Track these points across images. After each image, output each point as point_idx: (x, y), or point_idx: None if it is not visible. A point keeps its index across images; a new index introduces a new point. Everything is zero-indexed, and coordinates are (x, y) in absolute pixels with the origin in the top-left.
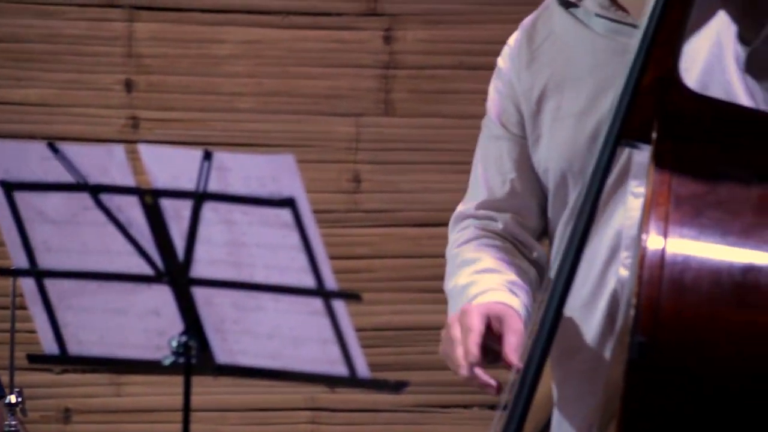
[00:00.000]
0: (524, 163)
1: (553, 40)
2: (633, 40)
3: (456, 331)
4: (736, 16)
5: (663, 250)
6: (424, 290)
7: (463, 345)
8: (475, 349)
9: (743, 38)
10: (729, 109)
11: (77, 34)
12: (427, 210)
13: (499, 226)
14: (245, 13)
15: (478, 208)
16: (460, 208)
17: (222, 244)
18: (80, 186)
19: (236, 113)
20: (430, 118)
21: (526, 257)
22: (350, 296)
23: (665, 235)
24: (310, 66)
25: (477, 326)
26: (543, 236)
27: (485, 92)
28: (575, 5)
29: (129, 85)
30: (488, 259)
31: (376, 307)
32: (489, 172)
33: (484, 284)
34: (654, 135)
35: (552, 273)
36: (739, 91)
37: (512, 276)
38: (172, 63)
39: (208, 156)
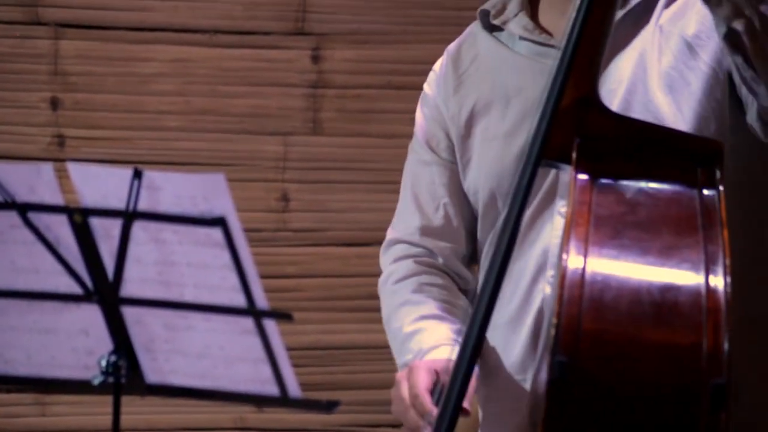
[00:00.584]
0: (455, 188)
1: (479, 64)
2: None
3: (405, 391)
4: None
5: (583, 270)
6: (352, 309)
7: (414, 407)
8: (428, 406)
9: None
10: (648, 129)
11: (2, 52)
12: (355, 229)
13: (440, 260)
14: (172, 31)
15: (413, 234)
16: (393, 234)
17: (152, 263)
18: (8, 204)
19: (164, 132)
20: (357, 137)
21: (462, 290)
22: (281, 315)
23: (585, 254)
24: (238, 85)
25: (424, 384)
26: (473, 261)
27: (412, 112)
28: (500, 29)
29: (55, 103)
30: (431, 303)
31: (305, 326)
32: (422, 197)
33: (431, 337)
34: (574, 155)
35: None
36: (664, 109)
37: (456, 324)
38: (98, 81)
39: (138, 175)
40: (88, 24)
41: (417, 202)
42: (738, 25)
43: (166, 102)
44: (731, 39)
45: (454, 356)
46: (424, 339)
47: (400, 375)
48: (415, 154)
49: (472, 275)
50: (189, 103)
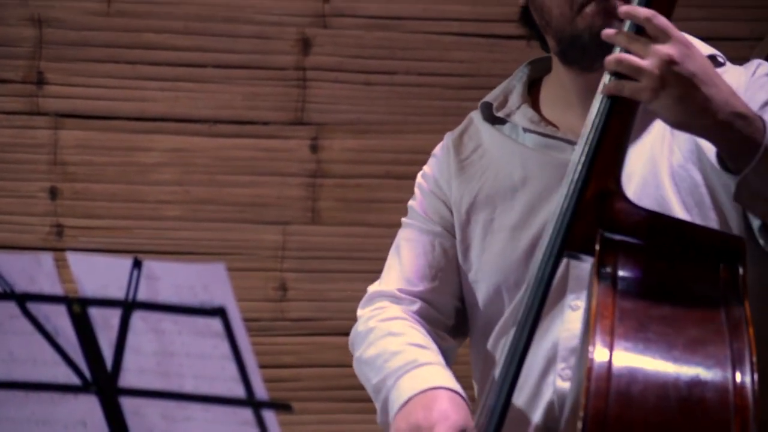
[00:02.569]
0: (454, 262)
1: (482, 153)
2: (564, 154)
3: (424, 420)
4: (725, 149)
5: (609, 363)
6: (351, 399)
7: None
8: None
9: (729, 168)
10: (671, 222)
11: (2, 142)
12: (353, 319)
13: (417, 306)
14: (172, 121)
15: (401, 292)
16: (377, 287)
17: (151, 354)
18: (7, 295)
19: (163, 221)
20: (356, 226)
21: (438, 344)
22: (280, 406)
23: (611, 347)
24: (237, 174)
25: (461, 421)
26: (456, 334)
27: None
28: (501, 121)
29: (54, 193)
30: (417, 334)
31: (303, 416)
32: (419, 262)
33: (425, 356)
34: (597, 247)
35: (490, 386)
36: (675, 206)
37: (442, 359)
38: (98, 171)
39: (137, 264)
40: (88, 114)
41: (412, 267)
42: None
43: (166, 191)
44: (765, 231)
45: (453, 385)
46: (419, 355)
47: (415, 404)
48: (414, 223)
49: (452, 341)
50: (188, 193)
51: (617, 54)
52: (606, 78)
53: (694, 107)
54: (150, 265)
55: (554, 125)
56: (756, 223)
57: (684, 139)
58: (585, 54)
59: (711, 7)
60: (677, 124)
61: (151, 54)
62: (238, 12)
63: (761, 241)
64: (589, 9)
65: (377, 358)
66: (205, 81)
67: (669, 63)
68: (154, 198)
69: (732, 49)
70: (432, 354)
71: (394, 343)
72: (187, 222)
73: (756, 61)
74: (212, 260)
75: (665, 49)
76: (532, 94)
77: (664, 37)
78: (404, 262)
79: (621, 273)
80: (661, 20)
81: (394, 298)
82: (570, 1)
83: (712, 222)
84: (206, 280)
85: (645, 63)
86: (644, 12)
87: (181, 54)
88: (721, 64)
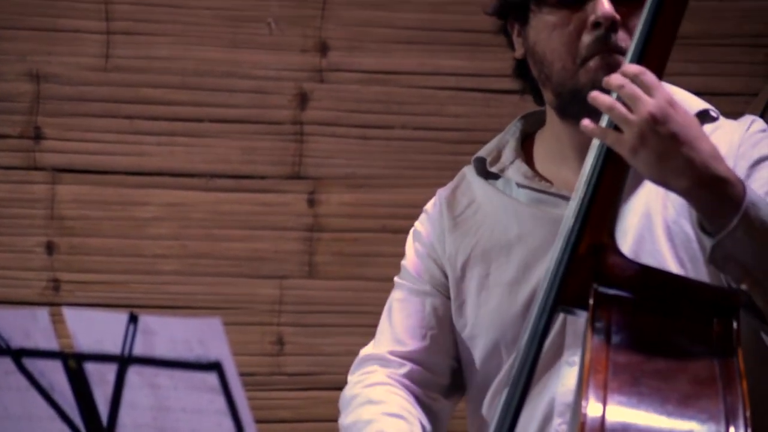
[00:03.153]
0: (446, 321)
1: (475, 209)
2: (559, 210)
3: None
4: (702, 211)
5: (602, 418)
6: None
7: None
8: None
9: (706, 229)
10: (665, 277)
11: None
12: None
13: (416, 388)
14: (169, 175)
15: (392, 354)
16: (369, 350)
17: (147, 409)
18: (2, 350)
19: (160, 275)
20: (353, 281)
21: (428, 406)
22: None
23: (604, 402)
24: (234, 228)
25: None
26: (451, 394)
27: None
28: (495, 176)
29: (50, 248)
30: (396, 402)
31: None
32: (410, 322)
33: (394, 426)
34: (591, 301)
35: None
36: (670, 260)
37: (418, 428)
38: (94, 225)
39: (133, 319)
40: (85, 169)
41: (406, 327)
42: (745, 286)
43: (163, 246)
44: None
45: None
46: (386, 425)
47: None
48: (405, 284)
49: (450, 405)
50: (185, 247)
51: (613, 99)
52: (603, 122)
53: (673, 167)
54: (146, 319)
55: (548, 180)
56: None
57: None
58: (585, 108)
59: (706, 63)
60: (655, 182)
61: (149, 109)
62: (236, 67)
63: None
64: (593, 63)
65: (353, 426)
66: (202, 135)
67: (650, 121)
68: (150, 252)
69: (727, 104)
70: (404, 424)
71: (369, 411)
72: (184, 276)
73: (750, 117)
74: (209, 314)
75: (648, 107)
76: (525, 148)
77: (649, 93)
78: (395, 324)
79: (615, 327)
80: (649, 78)
81: (383, 362)
82: (573, 55)
83: (706, 276)
84: (202, 335)
85: (631, 116)
86: (633, 69)
87: (178, 108)
88: (714, 119)
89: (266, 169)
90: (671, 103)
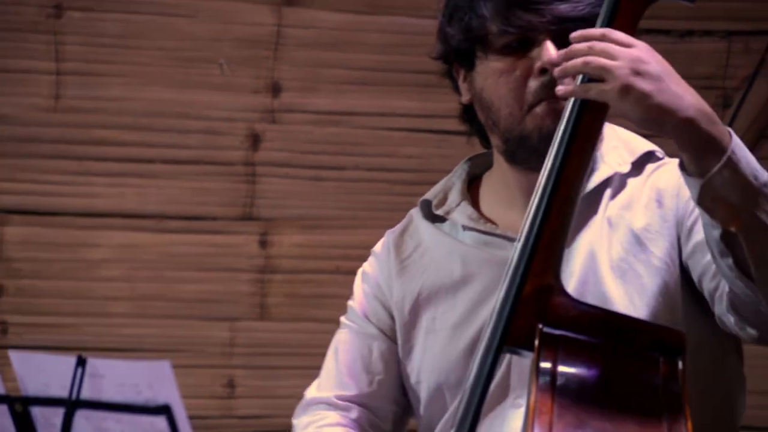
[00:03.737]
0: (393, 366)
1: (422, 252)
2: (504, 251)
3: None
4: (691, 149)
5: None
6: None
7: None
8: None
9: (690, 171)
10: (611, 317)
11: None
12: None
13: (354, 413)
14: (119, 217)
15: (338, 399)
16: (314, 393)
17: None
18: None
19: (110, 318)
20: (305, 322)
21: None
22: None
23: None
24: (185, 270)
25: None
26: None
27: None
28: (442, 219)
29: None
30: None
31: None
32: (356, 366)
33: None
34: (536, 342)
35: None
36: (617, 299)
37: None
38: (43, 267)
39: (81, 362)
40: (34, 210)
41: (350, 371)
42: (734, 228)
43: (113, 288)
44: (725, 240)
45: None
46: None
47: None
48: (352, 325)
49: None
50: (135, 289)
51: (584, 57)
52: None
53: (666, 102)
54: (94, 362)
55: (493, 222)
56: (715, 232)
57: (623, 231)
58: (533, 154)
59: None
60: (647, 121)
61: (99, 150)
62: (187, 107)
63: (717, 257)
64: (539, 109)
65: None
66: (153, 176)
67: (637, 61)
68: (100, 294)
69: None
70: None
71: None
72: (134, 318)
73: None
74: (159, 357)
75: (632, 50)
76: (472, 190)
77: (626, 44)
78: (341, 367)
79: (560, 368)
80: (619, 33)
81: (330, 406)
82: (520, 101)
83: (657, 312)
84: (151, 378)
85: (613, 63)
86: (598, 30)
87: (129, 149)
88: (659, 159)
89: (218, 210)
90: (649, 47)
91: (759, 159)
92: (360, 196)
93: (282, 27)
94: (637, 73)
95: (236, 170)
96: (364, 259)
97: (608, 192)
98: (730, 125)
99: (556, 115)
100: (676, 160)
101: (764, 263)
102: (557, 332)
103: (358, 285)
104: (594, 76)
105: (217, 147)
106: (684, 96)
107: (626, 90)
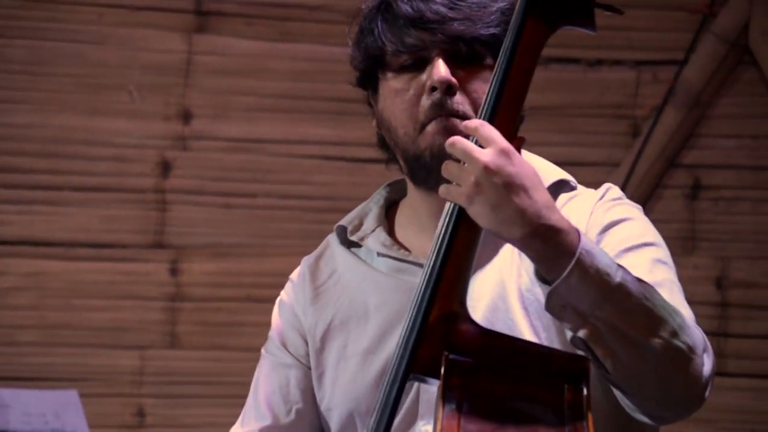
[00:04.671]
0: (309, 393)
1: (337, 279)
2: (416, 278)
3: None
4: (536, 260)
5: None
6: None
7: None
8: None
9: (543, 278)
10: (517, 344)
11: None
12: None
13: None
14: (28, 244)
15: (260, 431)
16: (237, 429)
17: None
18: None
19: (17, 347)
20: (216, 350)
21: None
22: None
23: None
24: (94, 298)
25: None
26: None
27: None
28: (357, 245)
29: None
30: None
31: None
32: (274, 398)
33: None
34: (442, 370)
35: None
36: (524, 328)
37: None
38: None
39: None
40: None
41: (269, 402)
42: (582, 334)
43: (20, 316)
44: (578, 344)
45: None
46: None
47: None
48: (270, 356)
49: None
50: (44, 317)
51: (447, 160)
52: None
53: (505, 217)
54: (0, 392)
55: (407, 249)
56: (568, 334)
57: (531, 262)
58: (430, 173)
59: (569, 133)
60: (492, 232)
61: (7, 177)
62: (97, 134)
63: (578, 350)
64: (430, 127)
65: None
66: (61, 204)
67: (484, 171)
68: (8, 323)
69: (590, 174)
70: None
71: None
72: (42, 347)
73: (606, 186)
74: (68, 386)
75: (483, 157)
76: (389, 216)
77: (486, 145)
78: (260, 399)
79: (466, 395)
80: (487, 130)
81: None
82: (413, 120)
83: (560, 344)
84: (59, 407)
85: (462, 172)
86: (472, 123)
87: (37, 177)
88: (572, 188)
89: (127, 238)
90: (507, 152)
91: (668, 188)
92: (271, 224)
93: (192, 54)
94: (480, 185)
95: (146, 197)
96: (275, 286)
97: None
98: (639, 154)
99: (447, 132)
100: (590, 191)
101: (620, 364)
102: (463, 359)
103: (275, 314)
104: (454, 180)
105: (127, 174)
106: (526, 211)
107: (470, 200)
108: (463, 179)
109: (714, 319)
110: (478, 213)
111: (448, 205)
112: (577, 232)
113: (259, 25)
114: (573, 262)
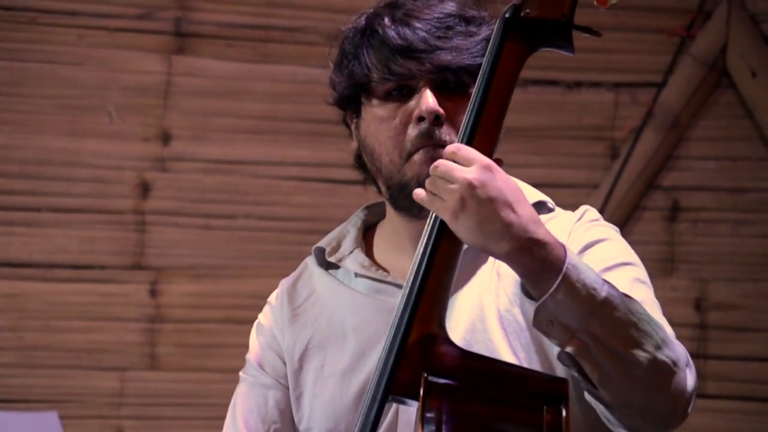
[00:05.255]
0: (288, 414)
1: (315, 300)
2: (394, 299)
3: None
4: (523, 275)
5: None
6: None
7: None
8: None
9: (528, 293)
10: (495, 365)
11: None
12: None
13: None
14: (6, 266)
15: None
16: None
17: None
18: None
19: None
20: (196, 372)
21: None
22: None
23: None
24: (73, 319)
25: None
26: None
27: None
28: (335, 266)
29: None
30: None
31: None
32: (251, 417)
33: None
34: (421, 391)
35: None
36: (503, 349)
37: None
38: None
39: None
40: None
41: (245, 423)
42: (570, 349)
43: None
44: (564, 360)
45: None
46: None
47: None
48: (249, 378)
49: None
50: (22, 339)
51: (433, 176)
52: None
53: (492, 231)
54: None
55: (385, 270)
56: (555, 350)
57: (509, 282)
58: (414, 202)
59: (548, 155)
60: (476, 247)
61: None
62: (75, 156)
63: (564, 365)
64: (417, 157)
65: None
66: (40, 225)
67: (469, 187)
68: None
69: (568, 196)
70: None
71: None
72: (21, 369)
73: (584, 207)
74: (47, 408)
75: (467, 173)
76: (367, 238)
77: (468, 164)
78: (238, 420)
79: (445, 417)
80: (466, 151)
81: None
82: (399, 149)
83: (538, 365)
84: (38, 429)
85: (447, 187)
86: (450, 147)
87: (15, 198)
88: (550, 210)
89: (107, 259)
90: (490, 168)
91: (647, 210)
92: (251, 245)
93: (172, 75)
94: (465, 201)
95: (125, 219)
96: (254, 308)
97: None
98: (618, 176)
99: (434, 162)
100: (567, 213)
101: (607, 378)
102: (442, 381)
103: (254, 337)
104: (439, 195)
105: (106, 195)
106: (512, 225)
107: (455, 215)
108: (448, 196)
109: (693, 340)
110: (465, 228)
111: (427, 227)
112: (563, 246)
113: (239, 47)
114: (560, 277)
